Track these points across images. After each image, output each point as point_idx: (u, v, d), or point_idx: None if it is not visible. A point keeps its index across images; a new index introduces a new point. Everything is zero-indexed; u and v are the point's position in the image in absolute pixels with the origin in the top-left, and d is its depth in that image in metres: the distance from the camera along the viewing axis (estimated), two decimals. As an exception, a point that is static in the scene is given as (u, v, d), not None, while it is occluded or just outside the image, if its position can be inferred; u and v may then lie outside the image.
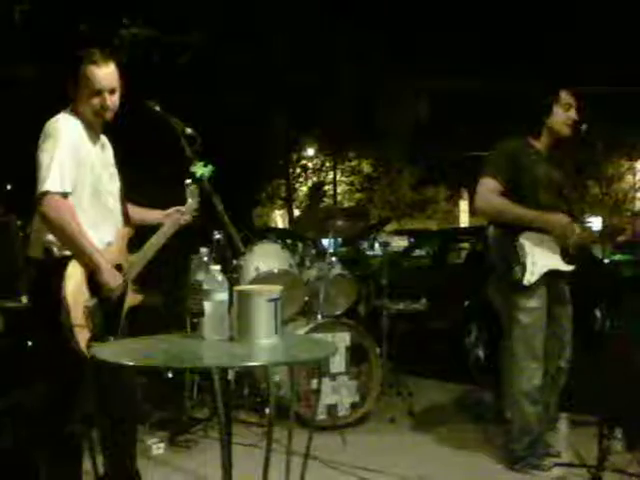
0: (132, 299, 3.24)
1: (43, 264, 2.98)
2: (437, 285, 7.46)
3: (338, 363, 4.94)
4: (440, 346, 7.33)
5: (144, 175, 3.52)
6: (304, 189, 25.73)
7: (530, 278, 3.92)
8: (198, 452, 4.37)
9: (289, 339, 2.97)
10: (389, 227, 14.96)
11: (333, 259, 5.31)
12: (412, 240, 14.23)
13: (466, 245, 10.22)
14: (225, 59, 14.48)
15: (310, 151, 25.80)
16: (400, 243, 15.17)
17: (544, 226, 3.95)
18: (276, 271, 5.04)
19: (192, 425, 4.68)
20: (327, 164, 25.74)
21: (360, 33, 17.73)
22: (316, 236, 6.38)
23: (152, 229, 3.39)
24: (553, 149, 4.18)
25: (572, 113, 4.08)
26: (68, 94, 3.10)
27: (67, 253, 2.95)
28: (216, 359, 2.47)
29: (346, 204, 25.16)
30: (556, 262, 4.00)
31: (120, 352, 2.57)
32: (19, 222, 4.51)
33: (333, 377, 4.93)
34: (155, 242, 3.33)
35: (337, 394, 4.93)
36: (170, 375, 4.87)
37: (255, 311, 2.49)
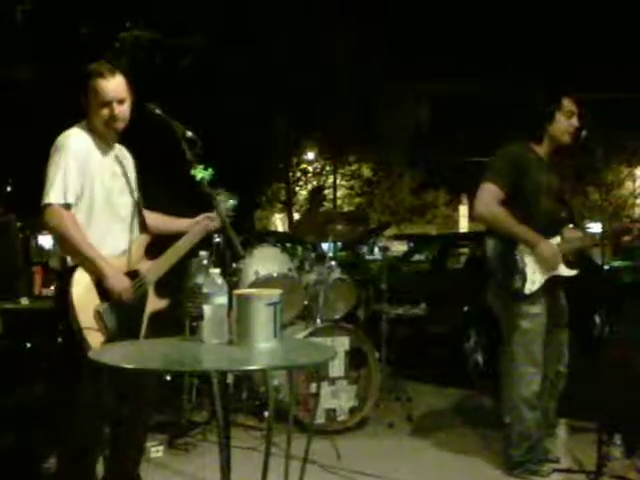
0: (154, 303, 3.31)
1: (59, 274, 3.16)
2: (436, 290, 7.45)
3: (337, 367, 4.94)
4: (439, 351, 7.32)
5: (146, 177, 3.52)
6: (304, 193, 25.72)
7: (531, 287, 3.92)
8: (197, 455, 4.37)
9: (288, 343, 2.97)
10: (389, 232, 14.97)
11: (332, 263, 5.31)
12: (412, 245, 14.26)
13: (465, 250, 10.24)
14: (226, 62, 14.51)
15: (310, 155, 25.82)
16: (400, 248, 15.20)
17: (534, 250, 3.95)
18: (275, 275, 5.04)
19: (191, 428, 4.67)
20: (327, 168, 25.75)
21: (360, 36, 17.75)
22: (316, 240, 6.38)
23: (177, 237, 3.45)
24: (553, 155, 4.19)
25: (574, 120, 4.08)
26: (82, 108, 3.22)
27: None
28: (215, 363, 2.46)
29: (346, 208, 25.15)
30: (558, 268, 3.99)
31: (119, 356, 2.57)
32: (19, 223, 4.50)
33: (332, 381, 4.93)
34: (179, 248, 3.37)
35: (336, 398, 4.93)
36: (169, 378, 4.86)
37: (254, 315, 2.49)
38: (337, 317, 5.34)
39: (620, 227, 4.26)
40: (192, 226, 3.46)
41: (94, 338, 3.00)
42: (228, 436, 2.52)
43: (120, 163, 3.32)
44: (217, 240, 4.67)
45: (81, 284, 3.04)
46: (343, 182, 26.50)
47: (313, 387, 4.72)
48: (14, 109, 11.98)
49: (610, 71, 18.73)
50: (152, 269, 3.30)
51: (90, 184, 3.14)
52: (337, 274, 5.29)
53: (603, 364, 4.42)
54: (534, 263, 3.94)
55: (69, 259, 3.11)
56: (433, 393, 6.10)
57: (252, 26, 14.92)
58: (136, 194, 3.35)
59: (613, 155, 20.53)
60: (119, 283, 3.09)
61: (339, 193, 26.21)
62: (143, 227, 3.36)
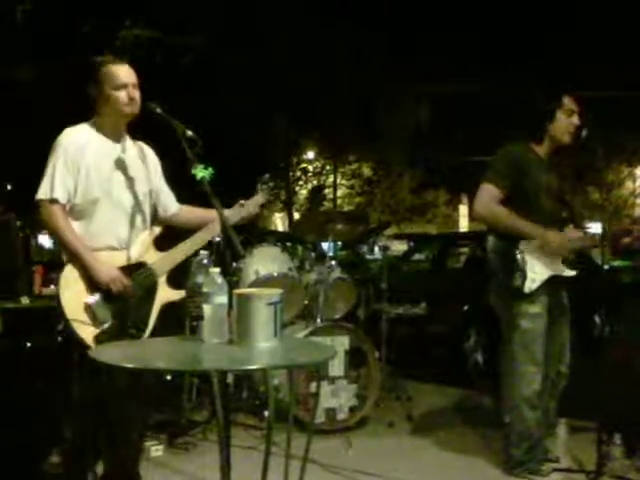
0: (165, 295, 3.31)
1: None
2: (436, 289, 7.46)
3: (337, 367, 4.94)
4: (439, 350, 7.32)
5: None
6: (304, 192, 25.71)
7: (531, 285, 3.92)
8: (197, 455, 4.37)
9: (288, 342, 2.96)
10: (389, 231, 14.94)
11: (333, 263, 5.31)
12: (412, 244, 14.23)
13: (465, 250, 10.24)
14: (226, 61, 14.51)
15: (310, 154, 25.81)
16: (400, 247, 15.17)
17: (541, 242, 3.94)
18: (276, 274, 5.03)
19: (191, 427, 4.67)
20: (327, 167, 25.73)
21: (360, 35, 17.74)
22: (316, 239, 6.38)
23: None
24: (553, 155, 4.18)
25: (575, 119, 4.08)
26: (90, 102, 3.28)
27: None
28: (215, 362, 2.46)
29: (346, 208, 25.14)
30: (557, 268, 4.00)
31: (119, 355, 2.56)
32: (19, 222, 4.50)
33: (332, 381, 4.92)
34: (199, 238, 3.38)
35: (336, 398, 4.93)
36: (169, 377, 4.86)
37: (254, 314, 2.49)
38: (337, 316, 5.34)
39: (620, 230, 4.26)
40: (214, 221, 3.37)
41: (84, 331, 3.05)
42: (228, 435, 2.52)
43: (127, 157, 3.34)
44: (217, 239, 4.67)
45: (71, 278, 3.10)
46: (343, 181, 26.47)
47: (313, 386, 4.72)
48: (14, 108, 11.98)
49: (610, 70, 18.71)
50: (161, 261, 3.31)
51: (85, 176, 3.20)
52: (337, 273, 5.29)
53: (603, 364, 4.42)
54: (535, 261, 3.93)
55: (64, 254, 3.18)
56: (433, 392, 6.10)
57: (252, 25, 14.92)
58: (144, 188, 3.36)
59: (613, 155, 20.51)
60: (105, 275, 3.11)
61: (339, 192, 26.18)
62: (153, 218, 3.40)
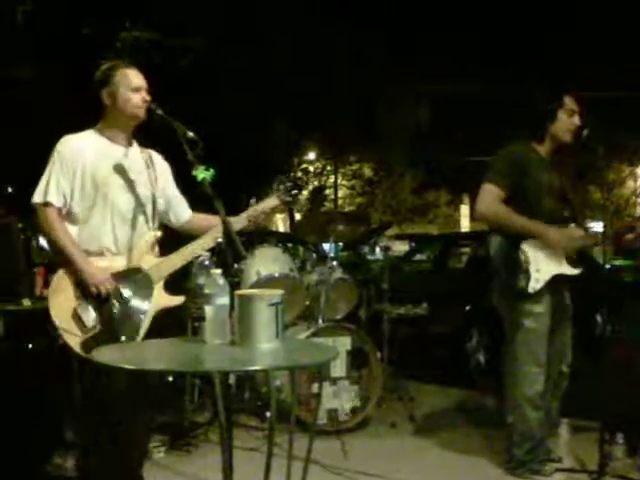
0: (161, 301, 3.28)
1: None
2: (438, 290, 7.46)
3: (339, 367, 4.94)
4: (441, 351, 7.32)
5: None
6: (305, 193, 25.70)
7: (535, 285, 3.91)
8: (199, 456, 4.37)
9: (290, 343, 2.97)
10: (390, 231, 14.94)
11: (334, 263, 5.30)
12: (413, 244, 14.24)
13: (467, 250, 10.23)
14: (226, 62, 14.50)
15: (311, 155, 25.79)
16: (401, 247, 15.18)
17: (543, 239, 3.94)
18: (277, 275, 5.03)
19: (193, 429, 4.67)
20: (328, 168, 25.71)
21: (360, 35, 17.73)
22: (317, 240, 6.39)
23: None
24: (554, 154, 4.18)
25: (576, 119, 4.08)
26: (98, 105, 3.31)
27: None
28: (217, 363, 2.46)
29: (347, 208, 25.13)
30: (561, 267, 3.99)
31: (121, 356, 2.56)
32: (20, 224, 4.50)
33: (334, 381, 4.92)
34: (200, 244, 3.36)
35: (338, 398, 4.92)
36: (171, 379, 4.86)
37: (256, 315, 2.49)
38: (339, 317, 5.34)
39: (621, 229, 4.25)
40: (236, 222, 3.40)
41: (71, 337, 3.07)
42: (230, 437, 2.52)
43: (129, 160, 3.34)
44: (219, 240, 4.67)
45: (62, 283, 3.14)
46: (344, 182, 26.44)
47: (315, 387, 4.73)
48: (15, 108, 11.97)
49: (610, 70, 18.70)
50: (158, 266, 3.29)
51: (81, 180, 3.23)
52: (339, 274, 5.29)
53: (605, 364, 4.41)
54: (539, 261, 3.93)
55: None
56: (435, 393, 6.10)
57: (252, 26, 14.91)
58: (146, 192, 3.35)
59: (614, 154, 20.50)
60: (91, 276, 3.12)
61: (340, 193, 26.17)
62: (153, 223, 3.38)
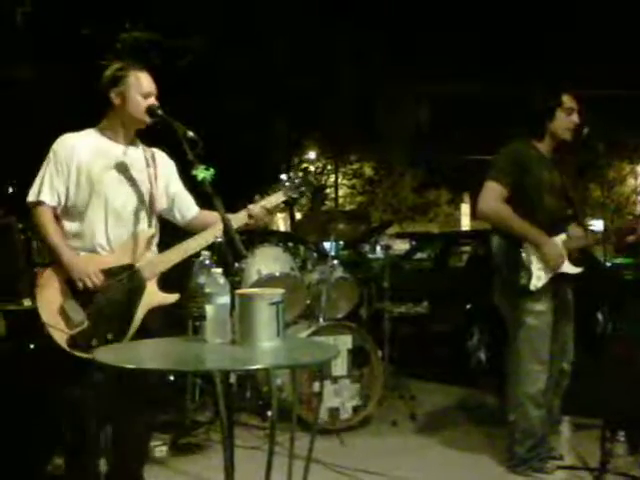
0: (153, 298, 3.26)
1: None
2: (439, 288, 7.45)
3: (340, 366, 4.94)
4: (442, 349, 7.32)
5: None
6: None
7: (537, 283, 3.91)
8: (200, 455, 4.37)
9: (291, 342, 2.97)
10: (391, 230, 14.92)
11: (335, 262, 5.31)
12: (414, 243, 14.22)
13: (468, 248, 10.23)
14: (226, 63, 14.50)
15: (311, 154, 25.78)
16: (402, 246, 15.16)
17: (537, 247, 3.94)
18: (278, 274, 5.04)
19: (194, 428, 4.67)
20: (329, 167, 25.71)
21: (360, 35, 17.72)
22: (318, 239, 6.38)
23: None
24: (555, 152, 4.18)
25: (575, 117, 4.08)
26: (103, 105, 3.32)
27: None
28: (218, 362, 2.46)
29: (347, 207, 25.12)
30: (563, 265, 3.99)
31: (122, 355, 2.56)
32: (20, 224, 4.50)
33: (335, 380, 4.93)
34: (197, 241, 3.34)
35: (339, 397, 4.93)
36: (172, 378, 4.86)
37: (257, 314, 2.49)
38: (340, 316, 5.34)
39: (623, 228, 4.24)
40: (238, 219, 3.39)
41: (57, 333, 3.08)
42: (231, 436, 2.52)
43: (128, 159, 3.33)
44: (219, 240, 4.67)
45: (47, 280, 3.16)
46: (345, 181, 26.43)
47: (316, 386, 4.73)
48: (15, 110, 11.98)
49: (610, 70, 18.71)
50: (152, 263, 3.27)
51: (76, 177, 3.24)
52: (339, 273, 5.29)
53: (606, 361, 4.42)
54: (539, 260, 3.93)
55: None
56: (436, 391, 6.10)
57: (251, 27, 14.91)
58: (143, 190, 3.34)
59: (615, 152, 20.49)
60: (77, 270, 3.12)
61: (341, 192, 26.15)
62: (149, 221, 3.35)
